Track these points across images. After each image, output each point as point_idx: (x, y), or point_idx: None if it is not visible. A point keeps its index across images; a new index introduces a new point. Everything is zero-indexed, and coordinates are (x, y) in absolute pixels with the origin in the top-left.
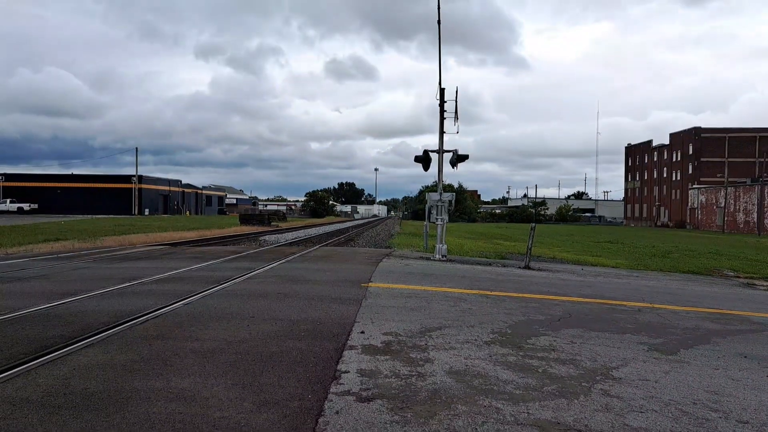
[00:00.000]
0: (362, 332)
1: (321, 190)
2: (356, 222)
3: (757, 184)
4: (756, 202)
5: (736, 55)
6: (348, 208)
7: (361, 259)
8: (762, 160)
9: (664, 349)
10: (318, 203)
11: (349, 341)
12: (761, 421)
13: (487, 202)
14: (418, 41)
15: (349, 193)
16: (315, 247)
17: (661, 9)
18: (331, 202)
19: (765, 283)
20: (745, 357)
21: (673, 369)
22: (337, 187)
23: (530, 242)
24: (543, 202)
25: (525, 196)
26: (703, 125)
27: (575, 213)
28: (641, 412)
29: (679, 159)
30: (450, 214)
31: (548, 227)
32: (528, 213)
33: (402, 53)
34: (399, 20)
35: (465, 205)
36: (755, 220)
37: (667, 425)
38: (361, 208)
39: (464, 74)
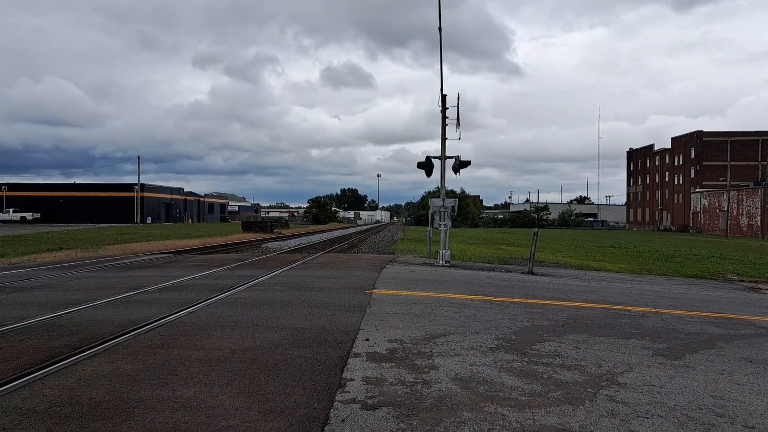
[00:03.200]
0: (367, 339)
1: (323, 197)
2: (359, 228)
3: (760, 188)
4: (759, 206)
5: (731, 60)
6: (351, 215)
7: (364, 266)
8: (765, 163)
9: (668, 354)
10: (320, 210)
11: (353, 349)
12: (767, 427)
13: (489, 208)
14: (412, 49)
15: (352, 199)
16: (318, 254)
17: (653, 15)
18: (333, 208)
19: None
20: (750, 361)
21: (678, 374)
22: (339, 193)
23: (533, 247)
24: (545, 207)
25: (527, 201)
26: (702, 129)
27: (578, 218)
28: (647, 418)
29: (681, 163)
30: (453, 220)
31: (551, 232)
32: (530, 218)
33: (396, 61)
34: (392, 29)
35: (467, 210)
36: (758, 223)
37: (672, 430)
38: (364, 214)
39: (458, 81)
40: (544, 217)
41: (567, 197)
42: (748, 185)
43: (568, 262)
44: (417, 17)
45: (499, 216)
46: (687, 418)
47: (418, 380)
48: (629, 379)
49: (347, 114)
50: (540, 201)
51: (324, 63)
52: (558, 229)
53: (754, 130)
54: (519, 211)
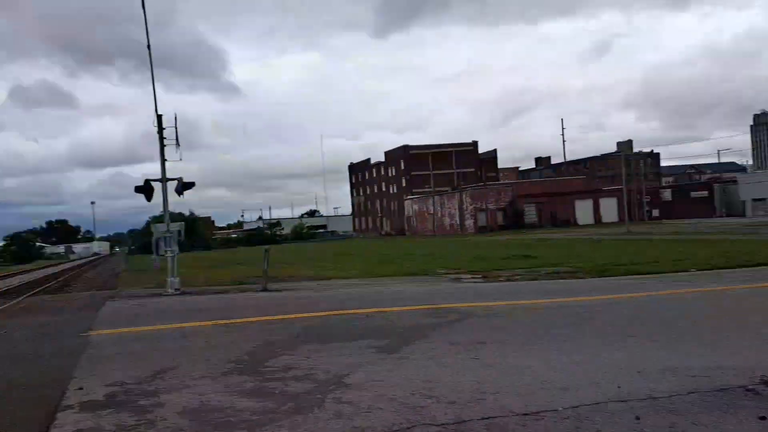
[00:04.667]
0: (80, 388)
1: (25, 232)
2: (73, 264)
3: (457, 192)
4: (457, 207)
5: (424, 83)
6: (61, 249)
7: (79, 306)
8: (459, 170)
9: (389, 349)
10: (22, 247)
11: (63, 401)
12: (465, 399)
13: (223, 228)
14: (119, 68)
15: (62, 231)
16: (18, 299)
17: (357, 41)
18: (38, 243)
19: (468, 276)
20: (452, 344)
21: (396, 366)
22: (45, 226)
23: (265, 264)
24: (278, 223)
25: (260, 218)
26: (408, 143)
27: (310, 230)
28: (369, 412)
29: (393, 174)
30: (181, 244)
31: (286, 247)
32: (264, 235)
33: (101, 79)
34: (93, 46)
35: (198, 233)
36: (458, 222)
37: (389, 419)
38: (78, 248)
39: (176, 100)
40: (278, 233)
41: (298, 212)
42: (447, 190)
43: (303, 274)
44: (120, 35)
45: (234, 235)
46: (402, 405)
47: (141, 421)
48: (355, 379)
49: (46, 137)
50: (273, 217)
51: (10, 81)
52: (292, 244)
53: (448, 143)
54: (253, 229)
